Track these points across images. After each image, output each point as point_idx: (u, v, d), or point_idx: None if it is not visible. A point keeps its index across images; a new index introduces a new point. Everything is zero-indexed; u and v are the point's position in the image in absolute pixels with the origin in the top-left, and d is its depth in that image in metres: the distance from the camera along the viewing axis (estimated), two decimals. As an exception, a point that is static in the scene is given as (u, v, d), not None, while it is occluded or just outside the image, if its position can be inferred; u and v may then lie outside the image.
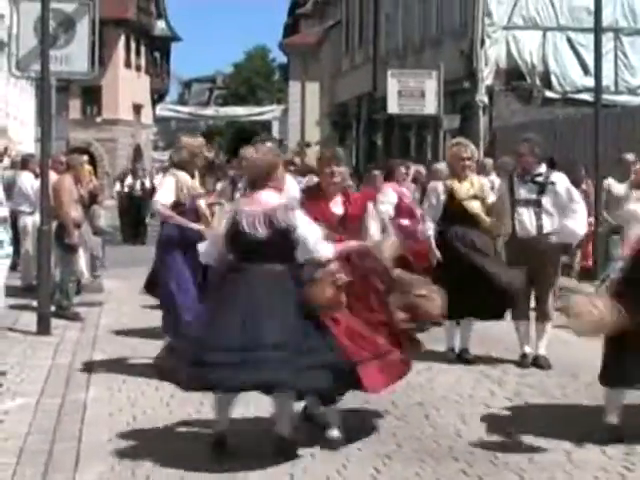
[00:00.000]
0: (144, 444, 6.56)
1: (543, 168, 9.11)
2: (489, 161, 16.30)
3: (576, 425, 6.95)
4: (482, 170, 12.96)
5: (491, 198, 9.27)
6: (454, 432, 6.83)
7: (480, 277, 8.86)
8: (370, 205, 7.10)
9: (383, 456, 6.24)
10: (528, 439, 6.64)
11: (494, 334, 9.90)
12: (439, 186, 9.39)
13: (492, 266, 8.98)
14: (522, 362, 9.05)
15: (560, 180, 8.98)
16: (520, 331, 9.23)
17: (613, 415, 6.56)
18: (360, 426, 6.85)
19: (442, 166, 11.88)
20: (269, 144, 9.70)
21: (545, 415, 7.36)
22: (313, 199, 6.76)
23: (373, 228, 6.94)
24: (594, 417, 6.80)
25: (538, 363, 8.98)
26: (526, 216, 8.91)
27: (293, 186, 9.38)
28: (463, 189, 9.20)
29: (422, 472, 5.96)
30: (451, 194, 9.20)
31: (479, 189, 9.26)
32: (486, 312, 9.13)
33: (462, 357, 9.26)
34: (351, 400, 6.79)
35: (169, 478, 5.92)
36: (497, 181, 10.52)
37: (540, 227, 8.89)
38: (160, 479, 5.90)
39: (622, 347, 6.29)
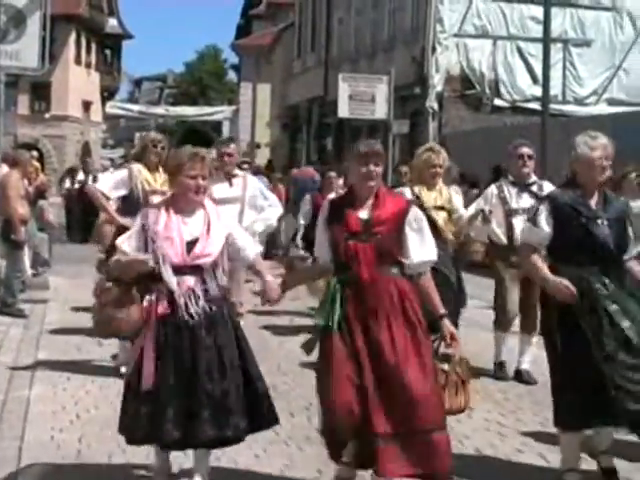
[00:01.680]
0: (88, 442, 6.55)
1: (534, 176, 8.92)
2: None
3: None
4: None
5: (460, 211, 8.94)
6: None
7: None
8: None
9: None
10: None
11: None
12: (406, 192, 8.82)
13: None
14: (499, 372, 8.90)
15: (550, 188, 8.66)
16: (500, 341, 9.02)
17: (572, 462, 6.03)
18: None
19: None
20: (233, 145, 9.60)
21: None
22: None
23: None
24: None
25: (522, 378, 8.76)
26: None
27: (253, 183, 9.61)
28: (430, 198, 8.80)
29: None
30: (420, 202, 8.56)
31: (447, 200, 8.88)
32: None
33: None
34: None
35: (113, 476, 5.93)
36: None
37: None
38: (104, 477, 5.90)
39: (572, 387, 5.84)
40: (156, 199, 8.69)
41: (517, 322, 9.01)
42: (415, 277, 5.51)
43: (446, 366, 5.53)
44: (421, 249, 5.48)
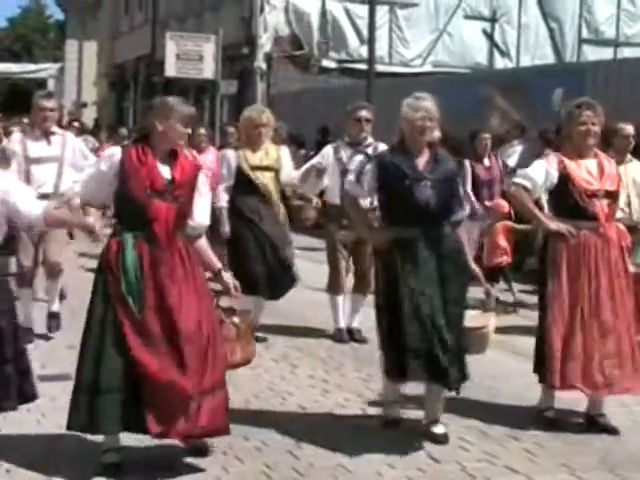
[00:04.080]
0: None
1: (370, 138, 8.87)
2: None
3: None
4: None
5: (289, 169, 8.85)
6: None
7: (268, 250, 8.67)
8: None
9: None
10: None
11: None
12: (230, 153, 8.88)
13: (277, 239, 8.74)
14: (338, 336, 8.93)
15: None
16: (336, 304, 9.03)
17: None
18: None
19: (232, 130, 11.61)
20: (53, 100, 8.89)
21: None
22: None
23: None
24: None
25: (353, 336, 8.87)
26: None
27: (73, 141, 9.03)
28: (256, 158, 8.74)
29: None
30: (241, 164, 8.71)
31: (274, 160, 8.80)
32: (276, 290, 8.83)
33: None
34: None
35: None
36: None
37: None
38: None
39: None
40: None
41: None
42: (194, 238, 5.56)
43: (235, 319, 5.63)
44: (203, 213, 5.57)
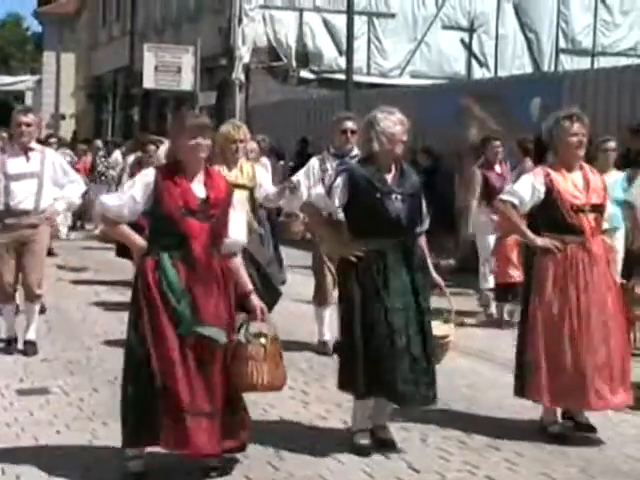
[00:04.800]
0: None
1: (356, 149, 8.63)
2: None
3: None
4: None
5: (265, 186, 8.60)
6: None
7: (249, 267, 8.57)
8: None
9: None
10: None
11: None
12: None
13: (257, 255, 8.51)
14: (322, 348, 8.90)
15: None
16: (321, 317, 8.99)
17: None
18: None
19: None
20: (31, 115, 8.73)
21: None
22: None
23: None
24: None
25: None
26: None
27: (53, 157, 8.86)
28: (231, 176, 8.27)
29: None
30: None
31: (249, 178, 8.46)
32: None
33: None
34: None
35: None
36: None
37: None
38: None
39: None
40: None
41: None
42: (228, 256, 5.56)
43: (263, 340, 5.56)
44: (239, 230, 5.69)
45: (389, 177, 6.04)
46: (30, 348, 8.60)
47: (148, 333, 5.30)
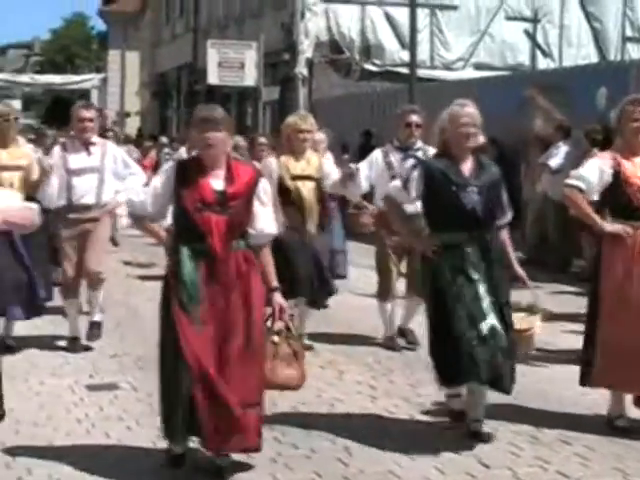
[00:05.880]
0: None
1: (420, 142, 8.70)
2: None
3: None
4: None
5: (333, 177, 8.59)
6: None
7: (309, 259, 8.46)
8: None
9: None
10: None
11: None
12: (272, 163, 8.58)
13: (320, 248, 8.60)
14: (388, 343, 8.79)
15: None
16: (386, 311, 8.85)
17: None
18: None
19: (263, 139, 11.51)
20: (93, 110, 8.81)
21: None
22: None
23: None
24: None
25: (407, 338, 8.77)
26: None
27: (114, 150, 8.88)
28: (297, 167, 8.49)
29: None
30: (281, 173, 8.45)
31: (316, 169, 8.54)
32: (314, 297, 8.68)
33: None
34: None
35: None
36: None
37: None
38: None
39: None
40: (8, 175, 8.43)
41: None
42: (256, 249, 5.53)
43: (276, 338, 5.56)
44: (266, 221, 5.53)
45: (465, 169, 6.01)
46: (95, 331, 8.68)
47: (173, 328, 5.33)
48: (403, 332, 8.90)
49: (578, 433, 6.21)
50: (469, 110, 6.02)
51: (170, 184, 5.43)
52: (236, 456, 5.55)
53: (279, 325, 5.61)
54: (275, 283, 5.61)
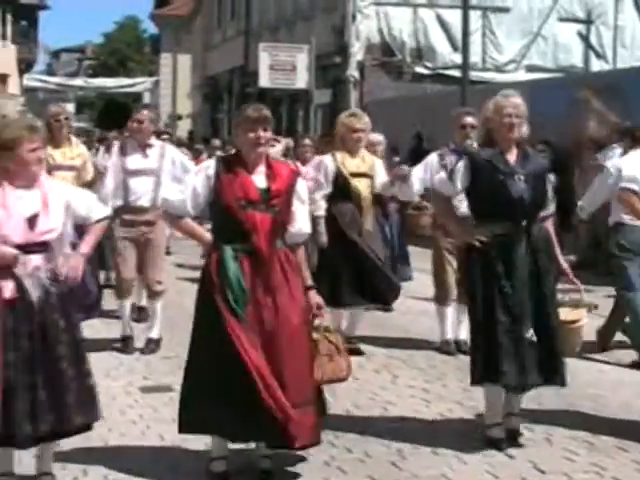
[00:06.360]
0: None
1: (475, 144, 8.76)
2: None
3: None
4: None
5: (383, 177, 8.62)
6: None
7: (367, 261, 8.45)
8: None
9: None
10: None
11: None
12: (328, 159, 8.60)
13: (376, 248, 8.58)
14: (445, 348, 8.68)
15: None
16: (443, 315, 8.75)
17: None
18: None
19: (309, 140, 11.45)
20: (146, 112, 8.81)
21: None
22: None
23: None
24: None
25: (460, 348, 8.55)
26: None
27: (172, 153, 8.85)
28: (353, 165, 8.54)
29: None
30: (340, 169, 8.49)
31: (370, 167, 8.61)
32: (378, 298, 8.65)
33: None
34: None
35: None
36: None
37: None
38: None
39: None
40: (62, 175, 8.50)
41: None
42: (293, 247, 5.50)
43: (315, 335, 5.53)
44: (303, 220, 5.51)
45: (511, 158, 5.97)
46: (152, 346, 8.68)
47: (218, 329, 5.24)
48: (457, 343, 8.66)
49: (635, 440, 6.12)
50: (514, 100, 5.97)
51: (210, 182, 5.38)
52: (290, 459, 5.56)
53: (317, 322, 5.58)
54: (310, 281, 5.59)
